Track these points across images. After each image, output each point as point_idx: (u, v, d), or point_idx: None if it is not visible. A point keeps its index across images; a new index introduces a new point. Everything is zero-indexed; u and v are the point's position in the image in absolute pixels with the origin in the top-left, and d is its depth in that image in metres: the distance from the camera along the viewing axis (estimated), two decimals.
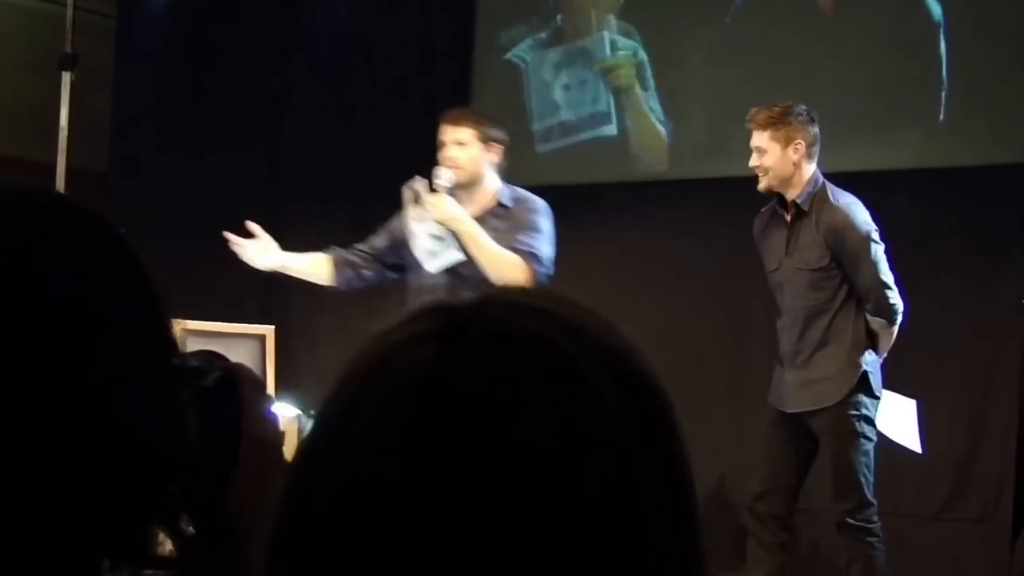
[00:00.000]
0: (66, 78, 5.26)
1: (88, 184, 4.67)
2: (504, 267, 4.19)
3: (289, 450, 3.55)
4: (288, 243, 6.67)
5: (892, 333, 4.41)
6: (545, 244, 4.31)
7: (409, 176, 6.29)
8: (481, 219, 4.35)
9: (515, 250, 4.25)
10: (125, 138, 6.66)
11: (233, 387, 0.92)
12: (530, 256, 4.25)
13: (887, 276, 4.33)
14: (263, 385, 0.96)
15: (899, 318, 4.37)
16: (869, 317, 4.38)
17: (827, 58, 5.53)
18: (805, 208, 4.40)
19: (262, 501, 0.91)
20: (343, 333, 6.39)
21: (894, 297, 4.33)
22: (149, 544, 0.83)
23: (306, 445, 0.74)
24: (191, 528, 0.86)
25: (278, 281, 6.65)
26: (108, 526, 0.80)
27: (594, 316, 0.76)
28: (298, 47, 6.82)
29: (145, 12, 6.81)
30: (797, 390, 4.43)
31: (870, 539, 4.36)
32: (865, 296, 4.35)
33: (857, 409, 4.36)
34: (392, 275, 4.66)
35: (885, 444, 5.05)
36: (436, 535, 0.67)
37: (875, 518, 4.37)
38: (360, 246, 4.74)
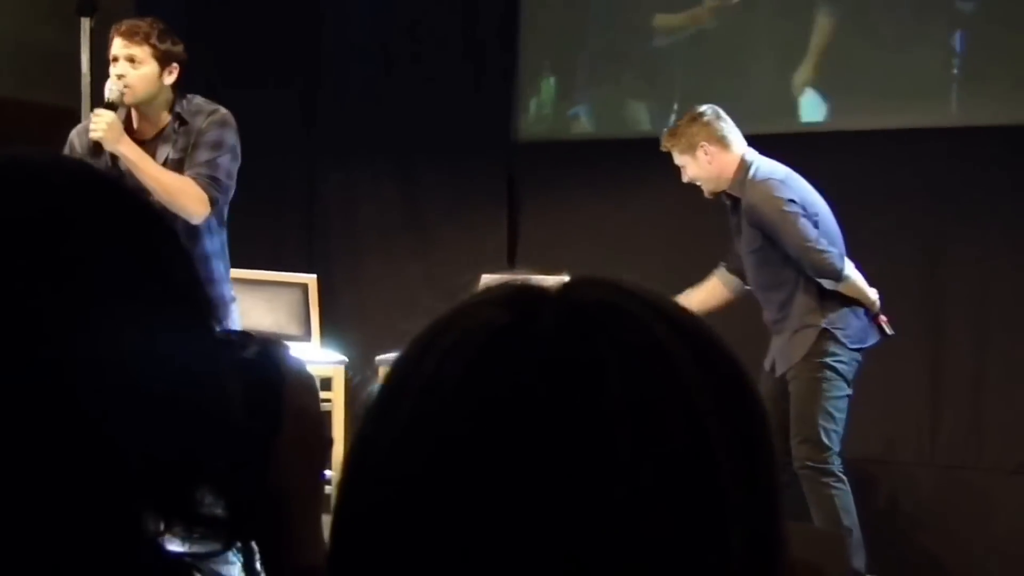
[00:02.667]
0: (85, 24, 5.24)
1: None
2: (177, 195, 3.97)
3: (335, 398, 3.56)
4: (323, 191, 6.71)
5: (858, 288, 4.58)
6: (225, 158, 4.10)
7: (452, 126, 6.29)
8: (160, 139, 4.13)
9: (193, 175, 4.03)
10: None
11: (273, 360, 0.95)
12: (208, 180, 4.04)
13: (810, 239, 4.45)
14: (302, 360, 0.99)
15: (843, 272, 4.51)
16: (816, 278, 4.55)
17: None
18: (737, 195, 4.60)
19: (305, 469, 0.97)
20: (386, 280, 6.42)
21: (826, 255, 4.47)
22: (198, 506, 0.85)
23: (375, 395, 0.76)
24: (237, 492, 0.87)
25: (321, 229, 6.70)
26: (157, 487, 0.82)
27: (668, 297, 0.77)
28: None
29: None
30: (778, 356, 4.64)
31: (826, 479, 4.52)
32: (798, 262, 4.50)
33: (822, 358, 4.51)
34: None
35: (971, 398, 5.16)
36: (490, 482, 0.68)
37: (833, 460, 4.53)
38: None
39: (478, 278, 4.33)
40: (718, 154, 4.58)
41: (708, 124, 4.61)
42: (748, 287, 4.76)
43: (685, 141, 4.59)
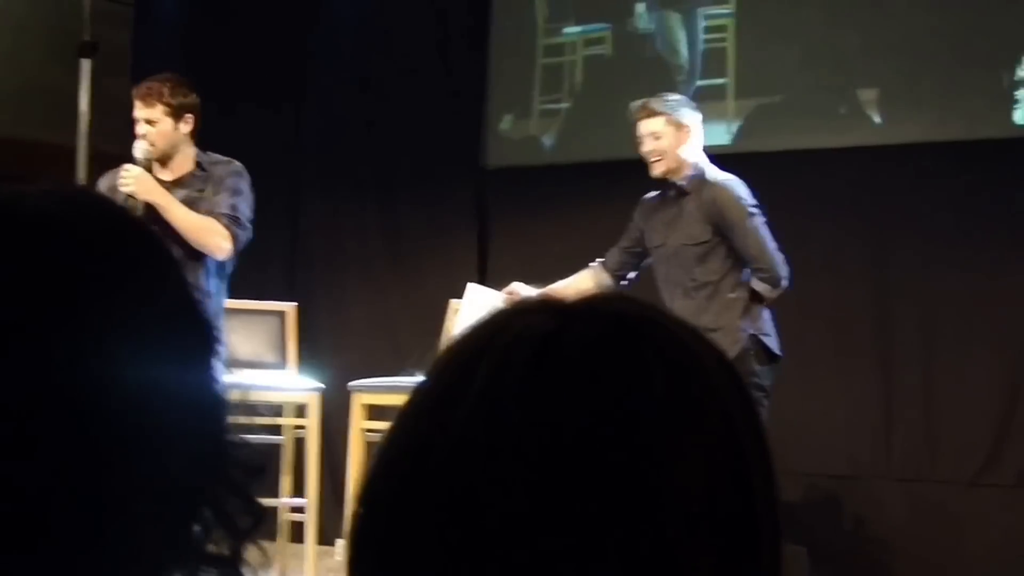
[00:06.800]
0: (85, 65, 5.32)
1: (109, 167, 4.78)
2: (203, 233, 4.37)
3: (311, 425, 3.64)
4: (305, 221, 6.79)
5: (773, 297, 4.62)
6: (244, 205, 4.52)
7: (425, 155, 6.39)
8: (181, 182, 4.52)
9: (217, 215, 4.42)
10: None
11: None
12: (231, 220, 4.44)
13: (770, 244, 4.56)
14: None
15: (784, 283, 4.57)
16: (755, 282, 4.58)
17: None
18: (688, 189, 4.66)
19: None
20: (361, 308, 6.48)
21: (780, 264, 4.56)
22: (201, 544, 0.83)
23: (413, 408, 0.77)
24: (240, 527, 0.85)
25: (301, 258, 6.77)
26: (163, 521, 0.79)
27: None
28: (318, 18, 6.85)
29: (162, 0, 6.93)
30: None
31: None
32: (752, 265, 4.57)
33: (748, 379, 4.44)
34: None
35: (923, 412, 5.22)
36: (560, 484, 0.70)
37: None
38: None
39: (447, 303, 4.44)
40: (693, 141, 4.66)
41: (697, 113, 4.72)
42: (622, 285, 4.79)
43: (676, 115, 4.66)
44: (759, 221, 4.58)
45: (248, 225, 4.51)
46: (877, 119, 5.51)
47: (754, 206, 4.59)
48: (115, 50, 6.20)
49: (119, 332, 0.77)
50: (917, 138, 5.38)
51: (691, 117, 4.69)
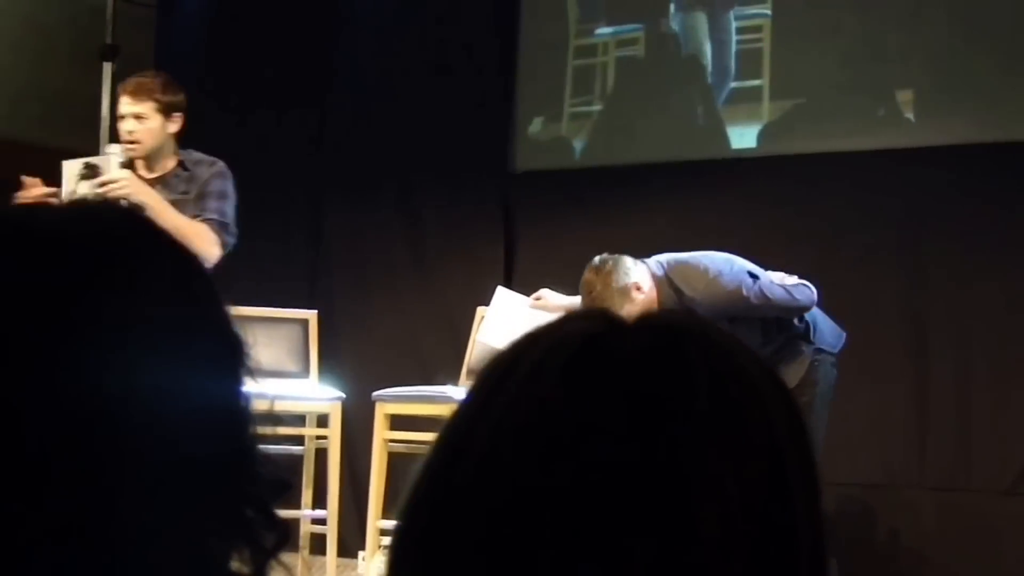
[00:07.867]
0: (107, 68, 5.36)
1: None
2: (193, 238, 4.20)
3: (332, 434, 3.59)
4: (326, 227, 6.76)
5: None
6: (230, 208, 4.50)
7: (451, 159, 6.35)
8: (164, 182, 4.48)
9: (205, 220, 4.40)
10: None
11: None
12: (220, 225, 4.43)
13: (777, 294, 4.39)
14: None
15: (815, 300, 4.46)
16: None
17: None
18: (681, 305, 4.47)
19: None
20: (384, 315, 6.45)
21: (803, 297, 4.42)
22: (226, 560, 0.83)
23: (454, 419, 0.78)
24: (265, 543, 0.85)
25: (323, 264, 6.73)
26: (187, 537, 0.79)
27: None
28: (342, 22, 6.83)
29: (184, 2, 6.90)
30: None
31: None
32: (784, 317, 4.47)
33: (815, 386, 4.45)
34: None
35: (958, 420, 5.17)
36: (593, 491, 0.70)
37: None
38: None
39: (473, 310, 4.34)
40: (644, 284, 4.39)
41: (620, 265, 4.37)
42: None
43: (619, 294, 4.32)
44: (754, 285, 4.38)
45: (235, 230, 4.48)
46: (914, 121, 5.49)
47: (747, 278, 4.38)
48: (137, 53, 6.18)
49: (134, 342, 0.77)
50: (955, 140, 5.33)
51: (634, 271, 4.37)
